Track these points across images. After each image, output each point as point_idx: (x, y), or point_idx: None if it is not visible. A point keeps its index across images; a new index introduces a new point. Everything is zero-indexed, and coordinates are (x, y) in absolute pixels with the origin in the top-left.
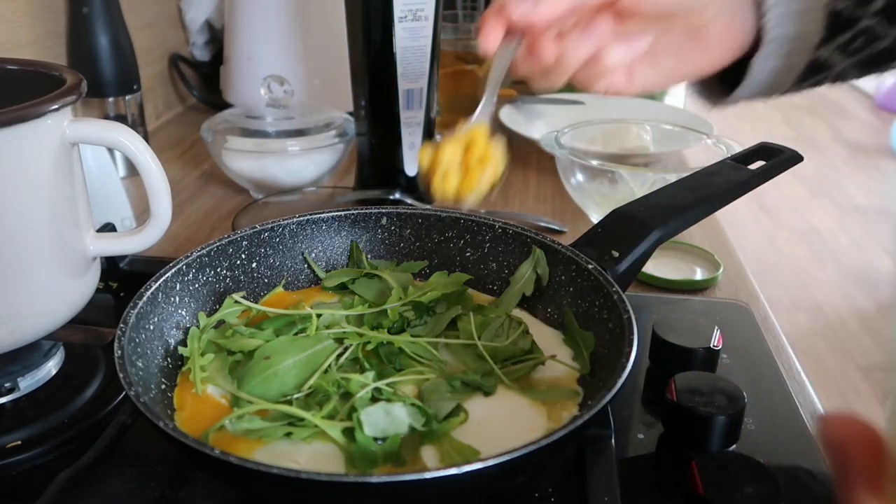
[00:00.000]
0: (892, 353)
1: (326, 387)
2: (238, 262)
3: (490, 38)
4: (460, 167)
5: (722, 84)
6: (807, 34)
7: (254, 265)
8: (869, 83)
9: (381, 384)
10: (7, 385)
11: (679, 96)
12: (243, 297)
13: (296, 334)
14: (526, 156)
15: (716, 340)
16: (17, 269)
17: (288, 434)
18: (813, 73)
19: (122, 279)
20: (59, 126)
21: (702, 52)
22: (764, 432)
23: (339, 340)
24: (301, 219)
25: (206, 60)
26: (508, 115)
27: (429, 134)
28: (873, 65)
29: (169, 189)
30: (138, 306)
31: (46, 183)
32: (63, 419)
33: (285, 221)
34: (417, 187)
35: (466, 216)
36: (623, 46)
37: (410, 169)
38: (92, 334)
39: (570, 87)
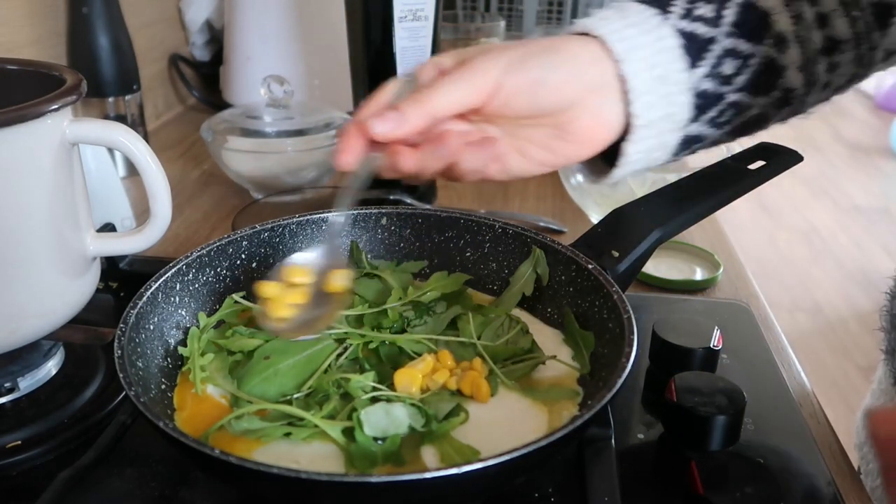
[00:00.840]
0: None
1: (326, 387)
2: (238, 262)
3: (349, 155)
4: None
5: (602, 161)
6: (675, 115)
7: (254, 265)
8: (869, 83)
9: (383, 390)
10: (7, 385)
11: None
12: (243, 297)
13: None
14: None
15: (716, 340)
16: (17, 269)
17: (287, 434)
18: (686, 146)
19: (122, 279)
20: (59, 126)
21: (570, 146)
22: (764, 432)
23: (340, 340)
24: (301, 219)
25: (206, 60)
26: None
27: None
28: (745, 131)
29: (169, 189)
30: (138, 306)
31: (46, 183)
32: (63, 419)
33: (285, 221)
34: (417, 187)
35: (466, 216)
36: (475, 154)
37: None
38: (92, 334)
39: None
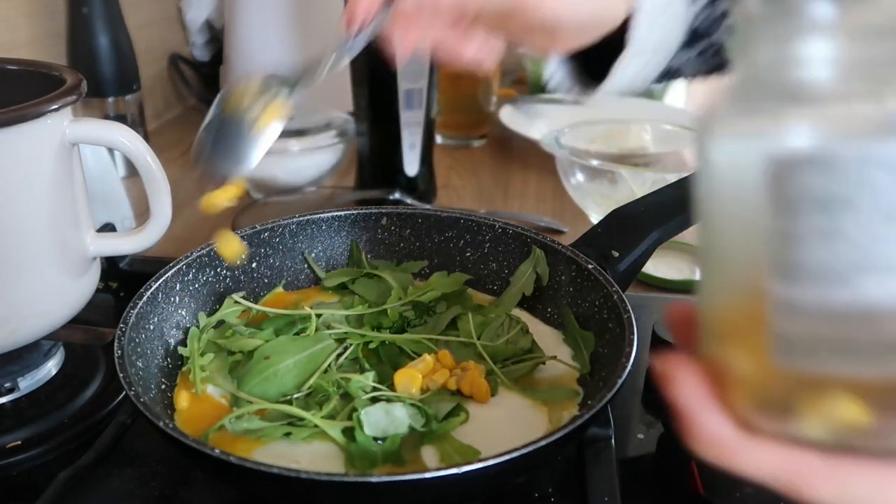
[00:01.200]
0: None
1: (326, 387)
2: (238, 261)
3: (367, 6)
4: None
5: (586, 76)
6: (668, 43)
7: (254, 265)
8: None
9: (383, 390)
10: (7, 385)
11: (679, 96)
12: (243, 297)
13: (296, 334)
14: (526, 156)
15: None
16: (17, 269)
17: (287, 434)
18: (666, 77)
19: (122, 279)
20: (59, 126)
21: (530, 45)
22: None
23: (340, 340)
24: (301, 219)
25: (206, 60)
26: (508, 115)
27: (429, 134)
28: (716, 72)
29: (169, 189)
30: (138, 306)
31: (46, 183)
32: (63, 419)
33: (285, 221)
34: (417, 187)
35: (466, 216)
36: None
37: (410, 169)
38: (92, 334)
39: None
